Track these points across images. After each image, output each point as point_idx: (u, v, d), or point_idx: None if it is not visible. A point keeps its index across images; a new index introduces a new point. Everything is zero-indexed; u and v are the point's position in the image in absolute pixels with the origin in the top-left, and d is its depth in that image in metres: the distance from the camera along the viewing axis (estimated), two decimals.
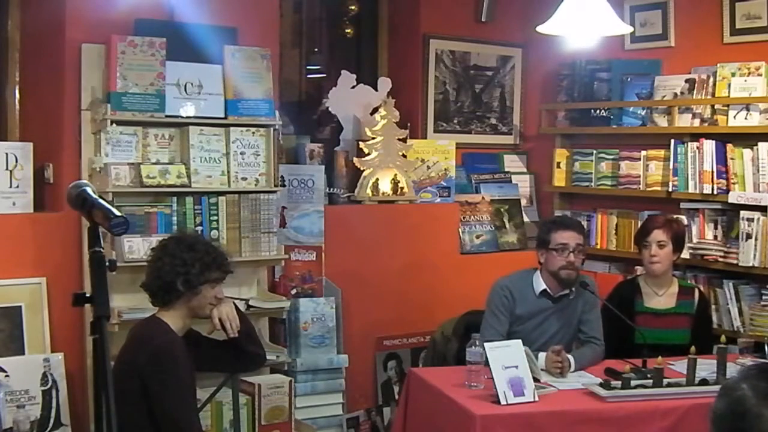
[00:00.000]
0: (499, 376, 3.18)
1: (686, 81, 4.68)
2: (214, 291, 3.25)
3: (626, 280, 4.40)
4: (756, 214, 4.22)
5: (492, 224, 5.18)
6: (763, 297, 4.20)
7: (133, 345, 3.15)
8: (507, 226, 5.27)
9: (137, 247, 3.52)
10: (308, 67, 5.36)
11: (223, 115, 3.80)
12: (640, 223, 4.46)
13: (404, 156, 4.80)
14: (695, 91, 4.64)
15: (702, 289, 4.35)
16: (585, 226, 5.05)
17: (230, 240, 3.78)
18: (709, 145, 4.43)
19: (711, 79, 4.58)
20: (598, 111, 5.12)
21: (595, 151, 5.11)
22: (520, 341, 3.38)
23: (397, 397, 4.48)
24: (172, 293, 3.16)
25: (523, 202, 5.44)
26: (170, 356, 3.06)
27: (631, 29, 4.24)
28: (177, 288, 3.14)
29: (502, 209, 5.28)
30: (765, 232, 4.18)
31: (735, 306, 4.35)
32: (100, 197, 2.15)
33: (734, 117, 4.44)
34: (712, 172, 4.41)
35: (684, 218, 4.55)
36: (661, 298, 4.11)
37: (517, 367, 3.23)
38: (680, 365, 3.58)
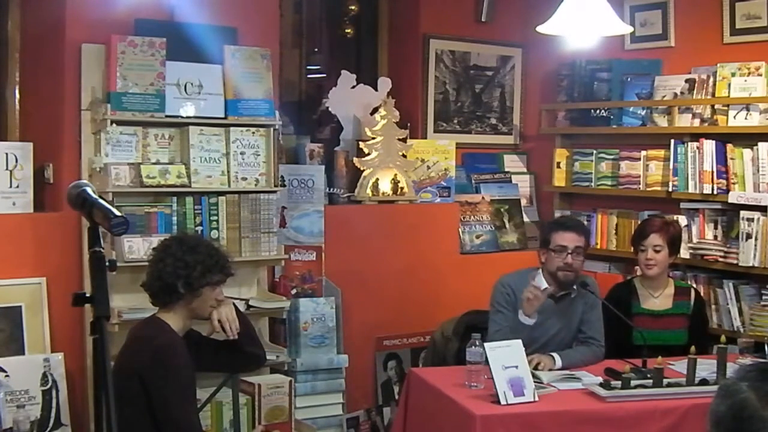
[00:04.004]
0: (499, 376, 3.18)
1: (686, 81, 4.68)
2: (215, 293, 3.25)
3: (622, 282, 4.40)
4: (756, 214, 4.22)
5: (492, 224, 5.18)
6: (763, 297, 4.20)
7: (133, 345, 3.15)
8: (507, 226, 5.27)
9: (137, 247, 3.52)
10: (308, 67, 5.36)
11: (223, 115, 3.80)
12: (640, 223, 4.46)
13: (404, 156, 4.80)
14: (695, 91, 4.64)
15: (698, 289, 4.35)
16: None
17: (230, 240, 3.78)
18: (709, 145, 4.43)
19: (711, 79, 4.58)
20: (598, 111, 5.12)
21: (595, 151, 5.10)
22: (519, 341, 3.38)
23: (397, 397, 4.48)
24: (173, 294, 3.15)
25: (523, 202, 5.44)
26: (171, 356, 3.06)
27: (631, 29, 4.25)
28: (178, 290, 3.14)
29: (502, 209, 5.27)
30: (765, 232, 4.18)
31: (735, 306, 4.35)
32: (100, 197, 2.14)
33: (734, 117, 4.44)
34: (712, 172, 4.41)
35: (684, 218, 4.56)
36: (657, 299, 4.12)
37: (517, 367, 3.23)
38: (680, 365, 3.58)
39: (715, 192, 4.41)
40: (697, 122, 4.63)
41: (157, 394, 3.01)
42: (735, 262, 4.32)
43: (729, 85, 4.46)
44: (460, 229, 5.05)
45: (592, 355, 3.82)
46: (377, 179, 4.68)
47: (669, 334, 4.03)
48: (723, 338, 3.53)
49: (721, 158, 4.41)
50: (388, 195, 4.72)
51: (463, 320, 4.22)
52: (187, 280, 3.14)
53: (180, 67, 3.71)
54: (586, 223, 5.04)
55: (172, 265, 3.13)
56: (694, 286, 4.38)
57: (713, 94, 4.57)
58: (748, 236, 4.24)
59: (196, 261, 3.15)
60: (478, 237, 5.11)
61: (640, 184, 4.85)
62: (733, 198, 4.33)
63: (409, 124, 4.89)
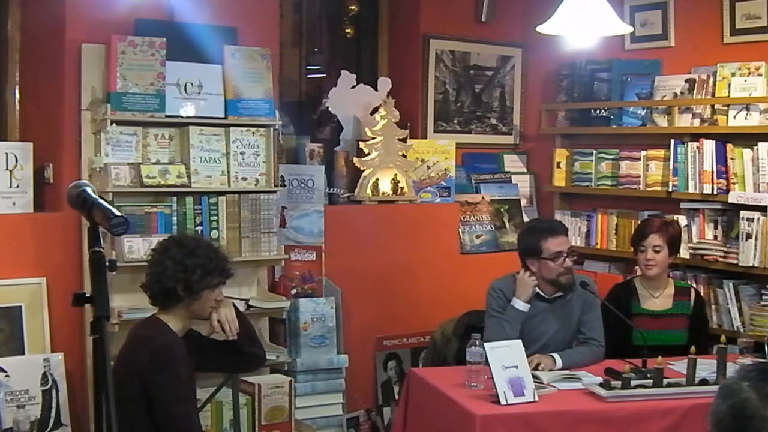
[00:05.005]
0: (499, 376, 3.18)
1: (686, 81, 4.68)
2: (214, 294, 3.25)
3: (622, 282, 4.40)
4: (756, 214, 4.22)
5: (492, 224, 5.18)
6: (763, 297, 4.20)
7: (133, 345, 3.15)
8: (507, 226, 5.27)
9: (137, 247, 3.53)
10: (308, 67, 5.35)
11: (223, 115, 3.81)
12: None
13: (404, 156, 4.80)
14: (695, 91, 4.64)
15: (698, 289, 4.35)
16: (585, 226, 5.09)
17: (230, 240, 3.78)
18: (709, 145, 4.43)
19: (711, 79, 4.58)
20: (598, 111, 5.12)
21: (595, 151, 5.10)
22: (520, 341, 3.38)
23: (397, 397, 4.48)
24: (173, 297, 3.15)
25: (523, 202, 5.44)
26: (170, 356, 3.06)
27: (631, 29, 4.24)
28: (177, 293, 3.13)
29: (502, 209, 5.28)
30: (765, 232, 4.18)
31: (735, 306, 4.35)
32: (100, 197, 2.15)
33: (734, 117, 4.44)
34: (712, 172, 4.41)
35: (684, 218, 4.56)
36: (657, 299, 4.12)
37: (517, 367, 3.23)
38: (680, 365, 3.58)
39: (715, 192, 4.40)
40: (697, 122, 4.63)
41: (157, 394, 3.01)
42: (735, 262, 4.32)
43: (729, 85, 4.46)
44: (460, 229, 5.05)
45: (593, 356, 3.81)
46: (377, 179, 4.68)
47: (669, 334, 4.03)
48: (723, 338, 3.52)
49: (721, 158, 4.41)
50: (388, 195, 4.72)
51: (463, 320, 4.22)
52: (187, 284, 3.13)
53: (180, 67, 3.71)
54: (585, 223, 5.07)
55: (172, 269, 3.12)
56: (694, 286, 4.37)
57: (713, 94, 4.57)
58: (748, 236, 4.24)
59: (195, 264, 3.14)
60: (478, 237, 5.11)
61: (640, 184, 4.85)
62: (733, 198, 4.33)
63: (409, 124, 4.89)
